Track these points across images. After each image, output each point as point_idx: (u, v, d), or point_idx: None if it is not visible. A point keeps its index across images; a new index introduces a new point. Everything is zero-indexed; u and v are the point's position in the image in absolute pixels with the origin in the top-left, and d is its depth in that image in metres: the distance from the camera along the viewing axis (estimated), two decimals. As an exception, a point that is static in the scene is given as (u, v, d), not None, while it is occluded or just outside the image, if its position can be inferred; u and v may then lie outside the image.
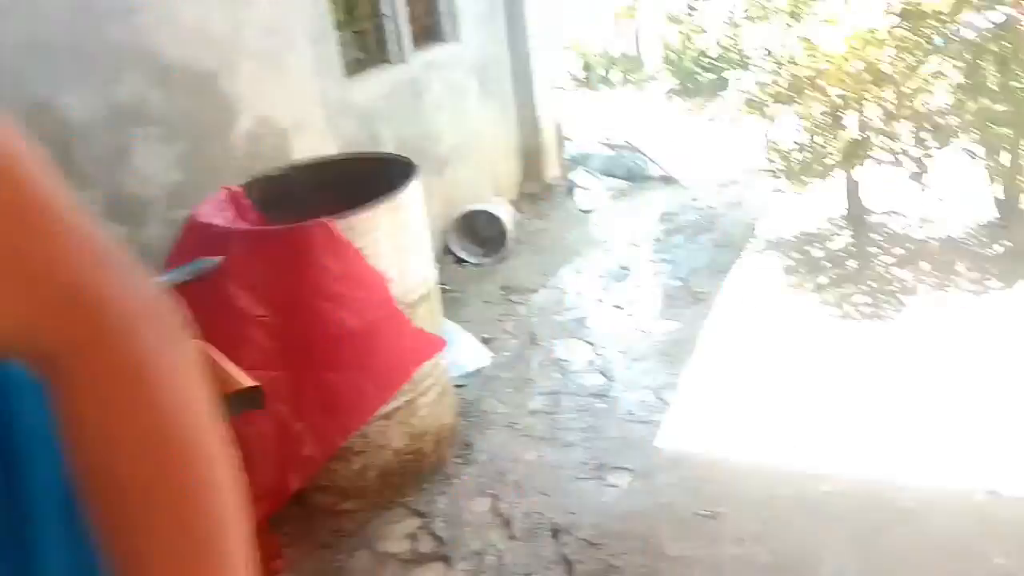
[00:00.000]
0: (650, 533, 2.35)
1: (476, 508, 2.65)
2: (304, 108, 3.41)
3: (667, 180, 5.76)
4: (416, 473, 2.79)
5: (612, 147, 6.13)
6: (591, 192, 5.57)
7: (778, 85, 3.71)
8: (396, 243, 2.41)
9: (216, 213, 2.55)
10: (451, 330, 3.72)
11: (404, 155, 2.84)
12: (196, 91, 2.91)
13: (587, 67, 9.98)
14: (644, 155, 6.00)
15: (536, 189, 5.69)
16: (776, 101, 3.81)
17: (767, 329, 3.33)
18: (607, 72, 9.75)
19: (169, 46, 2.78)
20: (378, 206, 2.32)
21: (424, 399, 2.71)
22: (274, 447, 2.48)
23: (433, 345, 2.56)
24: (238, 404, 2.06)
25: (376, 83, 3.97)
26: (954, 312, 3.12)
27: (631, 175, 5.88)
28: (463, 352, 3.57)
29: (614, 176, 5.87)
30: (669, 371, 3.20)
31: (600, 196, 5.55)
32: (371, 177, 2.77)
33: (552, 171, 5.86)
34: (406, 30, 4.13)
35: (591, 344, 3.57)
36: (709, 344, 3.33)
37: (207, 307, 2.34)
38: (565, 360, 3.46)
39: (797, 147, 3.76)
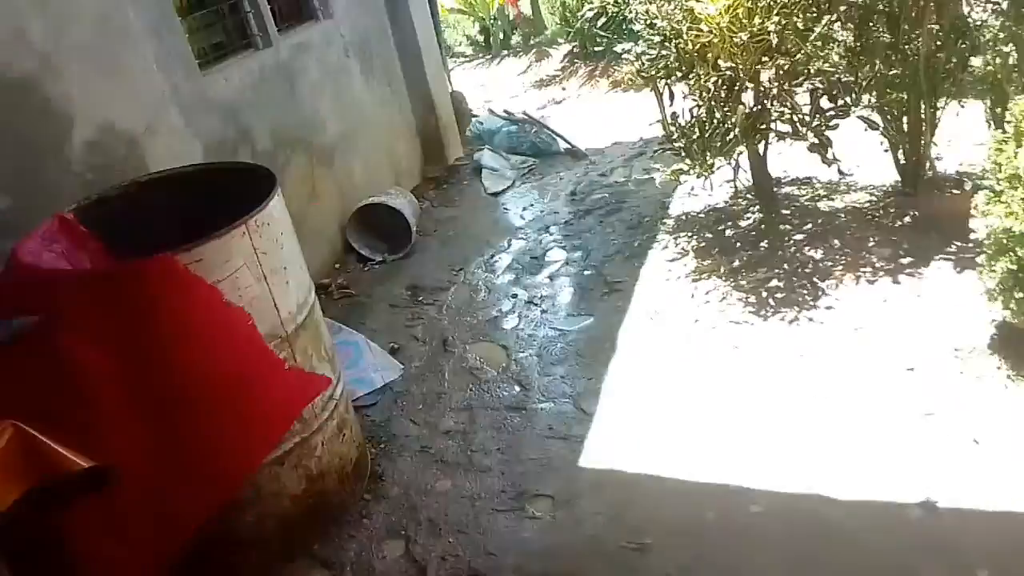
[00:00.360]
0: (576, 572, 2.16)
1: (388, 553, 2.41)
2: (154, 109, 2.95)
3: (574, 154, 5.54)
4: (321, 517, 2.51)
5: (514, 121, 5.84)
6: (498, 172, 5.29)
7: (666, 58, 3.50)
8: (260, 270, 2.08)
9: (43, 248, 2.14)
10: (357, 342, 3.43)
11: (261, 164, 2.48)
12: (13, 100, 2.43)
13: (484, 31, 9.59)
14: (549, 129, 5.74)
15: (440, 173, 5.36)
16: (667, 76, 3.60)
17: (683, 324, 3.17)
18: (505, 36, 9.39)
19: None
20: (231, 231, 1.97)
21: (320, 436, 2.41)
22: (148, 510, 2.15)
23: (314, 385, 2.26)
24: (77, 488, 1.73)
25: (239, 72, 3.52)
26: (871, 297, 3.03)
27: (537, 151, 5.63)
28: (370, 367, 3.28)
29: (520, 153, 5.60)
30: (587, 375, 3.00)
31: (507, 176, 5.28)
32: (231, 188, 2.40)
33: (455, 152, 5.54)
34: (267, 10, 3.67)
35: (505, 348, 3.33)
36: (627, 343, 3.14)
37: (38, 370, 1.96)
38: (479, 368, 3.22)
39: (695, 122, 3.57)
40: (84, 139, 2.67)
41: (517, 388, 3.04)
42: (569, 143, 5.62)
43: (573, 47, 8.22)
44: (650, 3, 3.25)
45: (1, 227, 2.37)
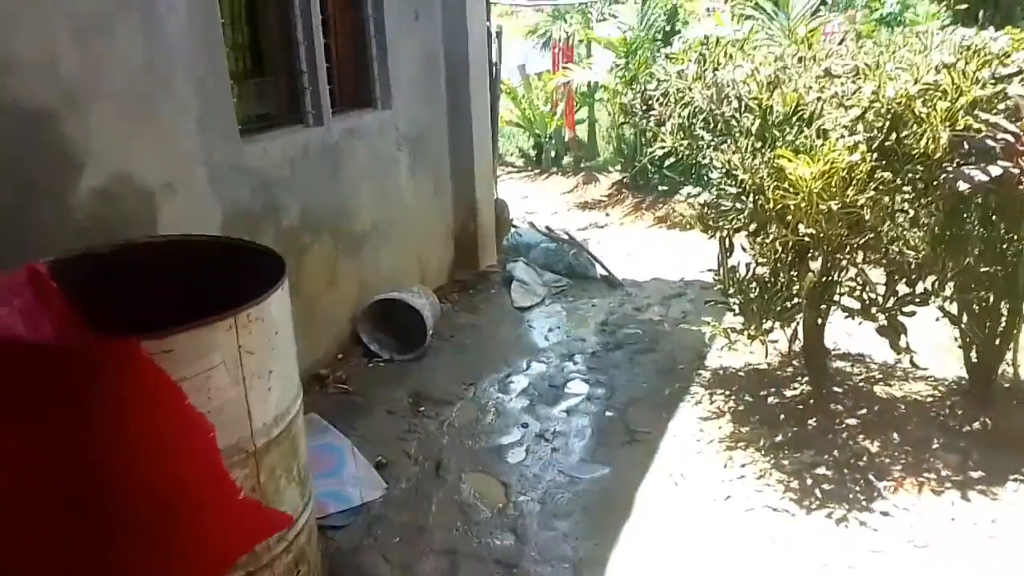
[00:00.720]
0: None
1: None
2: (180, 167, 2.77)
3: (610, 283, 5.28)
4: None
5: (554, 239, 5.65)
6: (528, 287, 5.03)
7: (739, 212, 3.27)
8: (240, 372, 1.76)
9: (1, 301, 1.85)
10: (342, 448, 3.10)
11: (286, 243, 2.23)
12: (25, 133, 2.24)
13: (537, 147, 9.67)
14: (588, 252, 5.53)
15: (469, 277, 5.13)
16: (735, 231, 3.36)
17: (713, 498, 2.76)
18: (557, 155, 9.44)
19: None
20: (215, 323, 1.67)
21: (268, 574, 2.00)
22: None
23: (270, 523, 1.88)
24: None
25: (282, 145, 3.35)
26: (936, 511, 2.60)
27: (572, 272, 5.39)
28: (350, 480, 2.91)
29: (554, 271, 5.36)
30: (594, 539, 2.58)
31: (538, 292, 5.02)
32: (237, 268, 2.14)
33: (488, 259, 5.33)
34: (325, 90, 3.55)
35: (506, 485, 2.94)
36: (645, 507, 2.74)
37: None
38: (472, 504, 2.82)
39: (756, 281, 3.29)
40: (93, 186, 2.46)
41: (512, 539, 2.62)
42: (607, 270, 5.38)
43: (623, 177, 8.18)
44: (733, 153, 3.04)
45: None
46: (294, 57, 3.44)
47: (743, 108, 3.15)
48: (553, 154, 9.48)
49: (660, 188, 7.48)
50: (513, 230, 5.88)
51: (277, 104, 3.51)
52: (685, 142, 3.43)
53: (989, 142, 2.61)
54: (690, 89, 3.36)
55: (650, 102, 3.70)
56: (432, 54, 4.59)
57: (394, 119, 4.18)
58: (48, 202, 2.35)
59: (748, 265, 3.36)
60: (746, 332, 3.23)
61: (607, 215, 7.51)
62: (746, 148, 3.06)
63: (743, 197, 3.20)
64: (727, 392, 3.56)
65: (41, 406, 1.57)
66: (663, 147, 3.52)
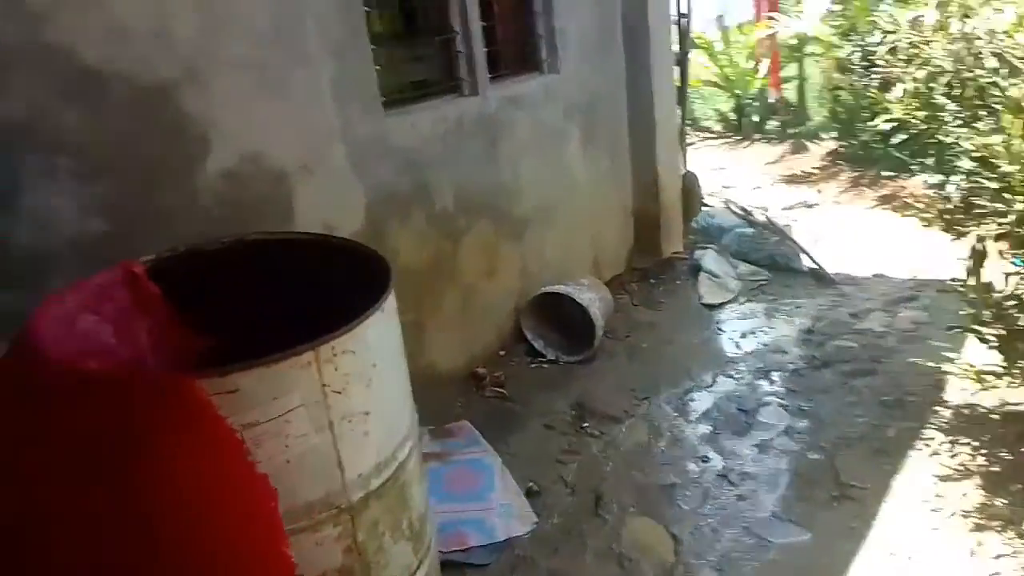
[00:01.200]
0: None
1: None
2: (315, 144, 2.48)
3: (820, 279, 4.43)
4: None
5: (752, 223, 4.86)
6: (720, 281, 4.35)
7: (999, 213, 2.39)
8: (327, 415, 1.38)
9: (83, 308, 1.62)
10: (492, 467, 2.75)
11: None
12: (140, 109, 2.03)
13: (738, 110, 8.67)
14: (792, 240, 4.69)
15: (650, 265, 4.54)
16: (994, 238, 2.49)
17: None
18: (761, 120, 8.39)
19: (95, 45, 1.90)
20: (288, 359, 1.30)
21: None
22: None
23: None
24: None
25: (431, 118, 2.98)
26: None
27: (773, 263, 4.60)
28: (496, 508, 2.55)
29: (751, 262, 4.61)
30: (786, 644, 1.97)
31: (730, 287, 4.32)
32: (358, 272, 1.78)
33: (673, 245, 4.70)
34: (481, 53, 3.10)
35: (675, 538, 2.40)
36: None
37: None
38: (633, 560, 2.32)
39: (1021, 307, 2.42)
40: (220, 167, 2.23)
41: (676, 621, 2.09)
42: (816, 263, 4.53)
43: (839, 147, 7.05)
44: (993, 133, 2.21)
45: (94, 254, 1.96)
46: (445, 15, 3.04)
47: (1007, 70, 2.31)
48: (756, 118, 8.46)
49: (885, 165, 6.30)
50: (704, 210, 5.17)
51: (433, 70, 3.14)
52: (921, 114, 2.63)
53: None
54: (928, 43, 2.56)
55: (872, 58, 2.91)
56: (607, 5, 4.01)
57: (562, 84, 3.67)
58: (171, 185, 2.15)
59: (1009, 277, 2.49)
60: (1007, 377, 2.38)
61: (818, 192, 6.48)
62: (1012, 127, 2.22)
63: (1006, 194, 2.35)
64: (976, 443, 2.70)
65: (69, 453, 1.28)
66: (888, 119, 2.73)
